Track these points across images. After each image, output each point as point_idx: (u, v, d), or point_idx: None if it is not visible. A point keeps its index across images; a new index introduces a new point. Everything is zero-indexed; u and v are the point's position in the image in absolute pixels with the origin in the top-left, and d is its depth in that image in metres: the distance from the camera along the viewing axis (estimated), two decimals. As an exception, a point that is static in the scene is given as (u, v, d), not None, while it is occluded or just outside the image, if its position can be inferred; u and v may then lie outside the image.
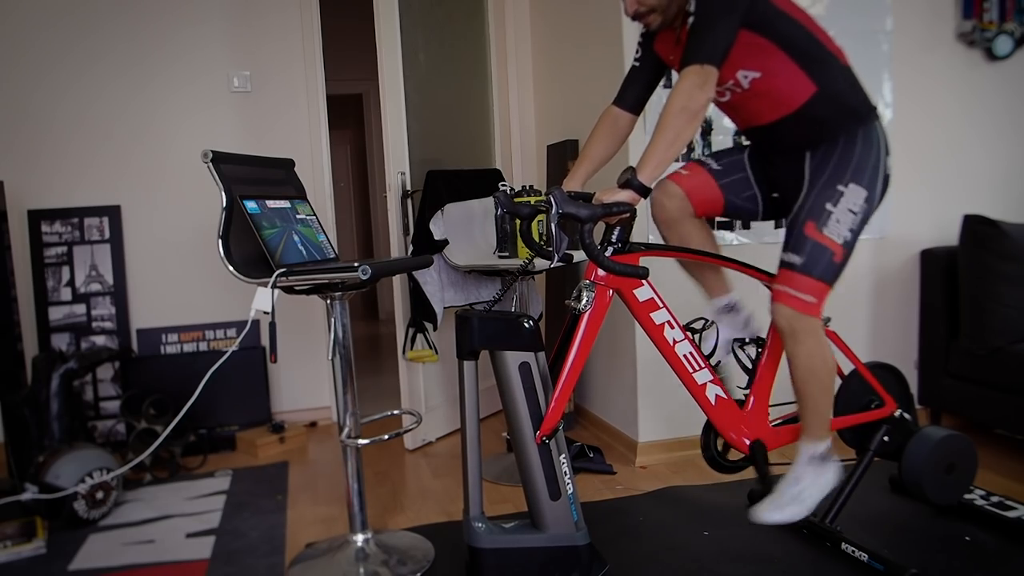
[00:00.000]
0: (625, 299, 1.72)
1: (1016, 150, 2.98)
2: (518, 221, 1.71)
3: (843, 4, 2.69)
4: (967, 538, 1.91)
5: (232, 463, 2.89)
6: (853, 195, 1.67)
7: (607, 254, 1.67)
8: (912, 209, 2.86)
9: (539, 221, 2.57)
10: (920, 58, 2.84)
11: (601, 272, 1.66)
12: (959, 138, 2.91)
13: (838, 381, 1.91)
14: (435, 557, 1.96)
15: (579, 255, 2.30)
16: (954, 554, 1.83)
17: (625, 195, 1.55)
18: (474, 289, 2.94)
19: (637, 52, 1.87)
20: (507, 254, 2.60)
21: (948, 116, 2.90)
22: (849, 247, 1.69)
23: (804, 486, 1.75)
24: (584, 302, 1.64)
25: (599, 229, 1.71)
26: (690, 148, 2.60)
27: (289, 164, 2.20)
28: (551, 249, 1.58)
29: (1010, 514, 2.00)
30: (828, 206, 1.67)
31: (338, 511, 2.32)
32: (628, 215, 1.63)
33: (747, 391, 1.91)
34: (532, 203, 1.67)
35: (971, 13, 2.83)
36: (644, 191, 1.56)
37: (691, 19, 1.58)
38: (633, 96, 1.88)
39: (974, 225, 2.59)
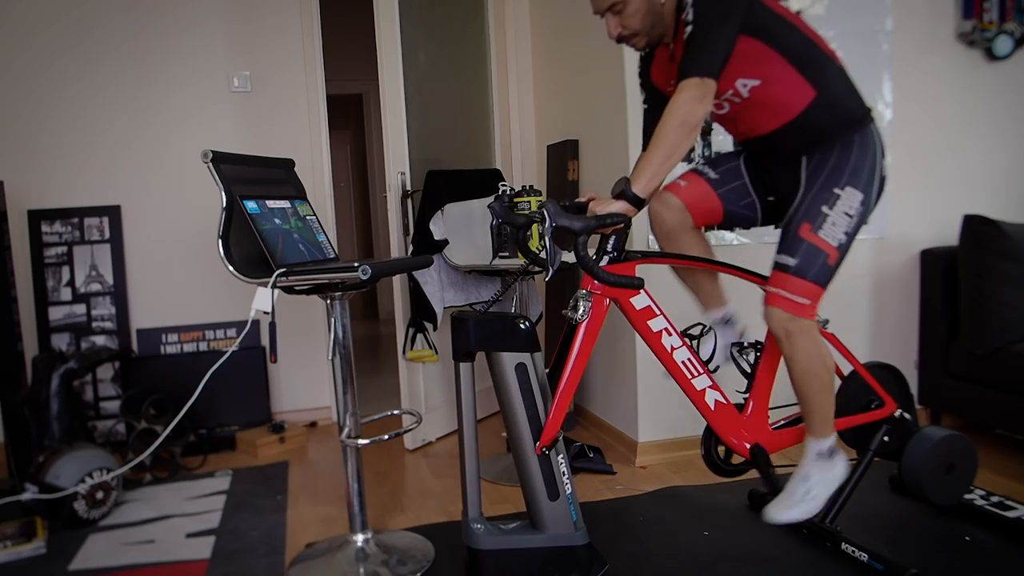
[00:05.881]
0: (622, 307, 1.72)
1: (1016, 150, 2.97)
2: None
3: (843, 4, 2.68)
4: (967, 538, 1.91)
5: (232, 463, 2.90)
6: (849, 198, 1.66)
7: (602, 264, 1.66)
8: (912, 209, 2.86)
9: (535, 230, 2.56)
10: (920, 58, 2.84)
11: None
12: (959, 138, 2.91)
13: (838, 381, 1.90)
14: (435, 557, 1.96)
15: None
16: (954, 554, 1.83)
17: (619, 206, 1.54)
18: (474, 289, 2.94)
19: (643, 94, 1.89)
20: (506, 254, 2.60)
21: (948, 116, 2.90)
22: (843, 250, 1.68)
23: (813, 483, 1.75)
24: (581, 312, 1.62)
25: (595, 237, 1.70)
26: (691, 148, 2.60)
27: (289, 164, 2.20)
28: (547, 260, 1.57)
29: (1010, 514, 2.00)
30: (824, 208, 1.66)
31: (338, 511, 2.32)
32: (622, 225, 1.62)
33: (746, 395, 1.91)
34: (527, 214, 1.66)
35: (971, 13, 2.83)
36: (638, 202, 1.55)
37: (689, 27, 1.56)
38: None
39: (974, 225, 2.59)
